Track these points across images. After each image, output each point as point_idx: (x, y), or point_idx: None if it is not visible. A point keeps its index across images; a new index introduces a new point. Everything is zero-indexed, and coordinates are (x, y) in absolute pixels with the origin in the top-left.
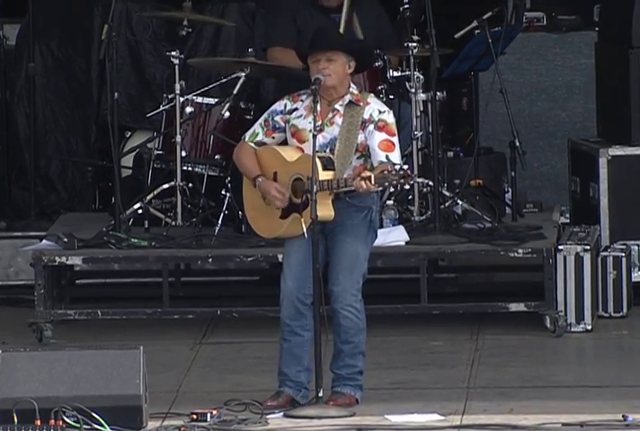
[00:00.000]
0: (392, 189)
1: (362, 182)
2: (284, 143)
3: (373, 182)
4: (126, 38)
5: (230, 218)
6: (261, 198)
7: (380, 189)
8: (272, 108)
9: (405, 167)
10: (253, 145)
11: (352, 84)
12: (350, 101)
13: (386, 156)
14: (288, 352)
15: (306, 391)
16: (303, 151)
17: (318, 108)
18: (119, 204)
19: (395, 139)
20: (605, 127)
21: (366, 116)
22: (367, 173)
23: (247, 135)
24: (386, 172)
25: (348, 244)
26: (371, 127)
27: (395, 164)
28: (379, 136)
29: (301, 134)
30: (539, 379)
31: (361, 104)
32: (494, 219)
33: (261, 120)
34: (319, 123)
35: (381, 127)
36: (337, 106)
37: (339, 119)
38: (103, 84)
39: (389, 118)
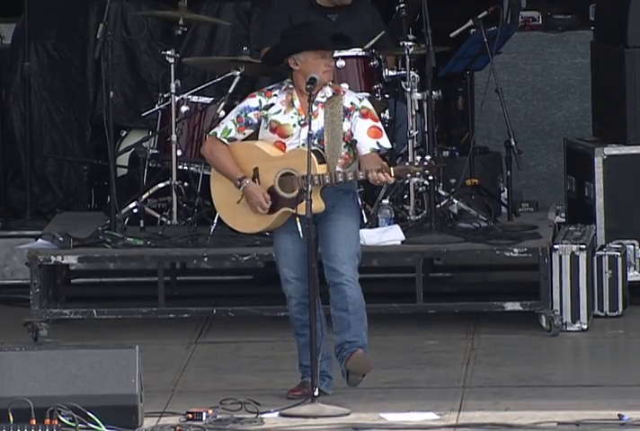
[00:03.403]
0: (412, 182)
1: (381, 175)
2: (249, 139)
3: (392, 174)
4: (121, 37)
5: None
6: (237, 195)
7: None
8: (244, 104)
9: (427, 158)
10: (226, 141)
11: None
12: (332, 94)
13: (377, 143)
14: (306, 345)
15: (330, 380)
16: (284, 145)
17: (312, 105)
18: (114, 203)
19: (380, 124)
20: (600, 127)
21: (347, 104)
22: (384, 166)
23: (219, 131)
24: (407, 164)
25: (342, 222)
26: (356, 114)
27: (382, 149)
28: (366, 123)
29: (284, 129)
30: (535, 378)
31: (341, 93)
32: (490, 218)
33: (232, 117)
34: (303, 117)
35: (365, 113)
36: (319, 98)
37: (321, 111)
38: (99, 84)
39: (369, 104)
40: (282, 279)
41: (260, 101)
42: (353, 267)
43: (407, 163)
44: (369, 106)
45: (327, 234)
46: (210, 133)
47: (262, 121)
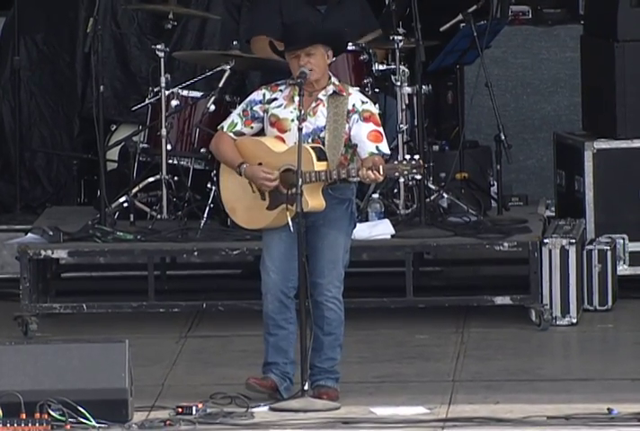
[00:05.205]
0: (401, 179)
1: (370, 172)
2: (259, 133)
3: (381, 173)
4: (111, 31)
5: (216, 211)
6: (243, 189)
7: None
8: (250, 98)
9: (416, 157)
10: (232, 134)
11: (331, 74)
12: (334, 92)
13: (376, 147)
14: (274, 346)
15: (290, 383)
16: (284, 140)
17: (302, 100)
18: (104, 197)
19: (382, 129)
20: (590, 121)
21: (349, 106)
22: (375, 163)
23: (225, 125)
24: (396, 162)
25: (332, 236)
26: (355, 116)
27: (384, 154)
28: (367, 127)
29: (282, 123)
30: (525, 372)
31: (344, 94)
32: (480, 212)
33: (238, 110)
34: (302, 113)
35: (367, 117)
36: (320, 96)
37: (322, 109)
38: (88, 78)
39: (373, 108)
40: (263, 273)
41: (264, 95)
42: (338, 285)
43: (396, 162)
44: (373, 109)
45: (316, 250)
46: (218, 127)
47: (265, 115)
